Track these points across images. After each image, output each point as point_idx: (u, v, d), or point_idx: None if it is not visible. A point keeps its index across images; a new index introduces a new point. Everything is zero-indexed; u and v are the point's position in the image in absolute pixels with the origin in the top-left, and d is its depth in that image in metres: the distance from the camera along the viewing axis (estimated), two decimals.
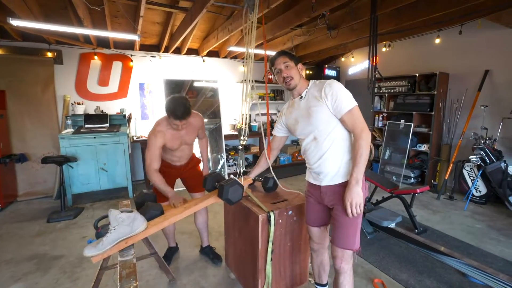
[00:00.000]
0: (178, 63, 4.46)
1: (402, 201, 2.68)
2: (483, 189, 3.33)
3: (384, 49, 4.49)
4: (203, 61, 4.64)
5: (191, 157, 2.17)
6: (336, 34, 3.37)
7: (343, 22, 3.14)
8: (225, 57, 4.81)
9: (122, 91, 4.12)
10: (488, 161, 3.13)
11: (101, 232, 2.81)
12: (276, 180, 1.92)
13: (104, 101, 4.03)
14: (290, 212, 1.74)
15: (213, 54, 4.70)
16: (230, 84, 5.04)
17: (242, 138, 1.59)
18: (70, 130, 3.57)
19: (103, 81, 4.00)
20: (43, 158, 3.07)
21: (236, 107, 5.15)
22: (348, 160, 1.34)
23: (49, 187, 3.75)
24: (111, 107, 4.06)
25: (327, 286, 1.72)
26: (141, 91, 4.21)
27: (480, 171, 3.20)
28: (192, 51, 4.52)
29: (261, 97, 5.35)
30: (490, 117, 3.44)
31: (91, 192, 3.65)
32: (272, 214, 1.64)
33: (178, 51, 4.34)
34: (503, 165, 3.09)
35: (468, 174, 3.44)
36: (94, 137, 3.44)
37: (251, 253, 1.78)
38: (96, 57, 3.86)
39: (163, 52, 4.20)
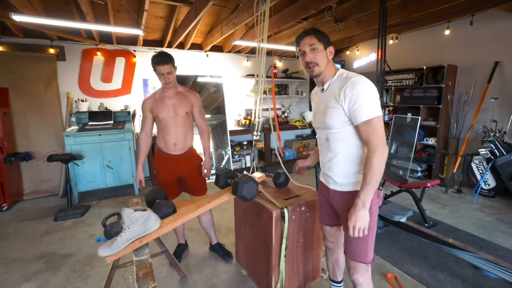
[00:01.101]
0: (182, 58, 4.40)
1: (411, 195, 2.65)
2: (492, 182, 3.30)
3: (391, 42, 4.42)
4: (207, 56, 4.58)
5: (190, 150, 2.05)
6: (343, 26, 3.30)
7: (350, 14, 3.08)
8: (229, 51, 4.74)
9: (126, 87, 4.08)
10: (498, 154, 3.10)
11: (109, 230, 2.80)
12: (288, 175, 1.89)
13: (107, 97, 3.99)
14: (303, 208, 1.71)
15: (217, 49, 4.64)
16: (234, 79, 4.98)
17: (255, 133, 1.55)
18: (75, 127, 3.54)
19: (106, 77, 3.95)
20: (48, 156, 3.05)
21: (240, 102, 5.10)
22: (359, 171, 1.21)
23: (54, 185, 3.73)
24: (115, 104, 4.03)
25: (342, 283, 1.70)
26: (145, 87, 4.15)
27: (490, 164, 3.16)
28: (195, 46, 4.45)
29: (265, 92, 5.29)
30: (499, 109, 3.39)
31: (97, 190, 3.64)
32: (285, 210, 1.61)
33: (181, 46, 4.28)
34: None
35: (477, 167, 3.41)
36: (99, 134, 3.42)
37: (263, 249, 1.77)
38: (99, 53, 3.81)
39: (166, 47, 4.14)
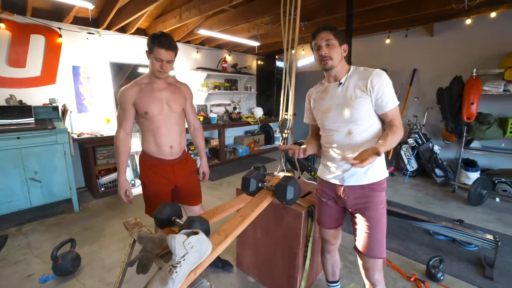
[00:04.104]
0: (123, 44, 3.70)
1: None
2: (414, 165, 4.15)
3: None
4: None
5: (185, 153, 1.79)
6: (311, 26, 3.45)
7: (316, 15, 3.24)
8: (178, 41, 4.27)
9: (48, 75, 3.12)
10: (420, 142, 3.90)
11: (63, 263, 2.15)
12: (300, 173, 1.87)
13: (20, 87, 2.96)
14: None
15: None
16: (183, 72, 4.53)
17: (285, 131, 1.45)
18: None
19: (17, 60, 2.92)
20: None
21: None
22: (379, 161, 1.27)
23: None
24: (34, 96, 3.04)
25: (339, 281, 1.69)
26: (76, 76, 3.30)
27: (415, 151, 3.96)
28: (139, 31, 3.81)
29: (217, 87, 5.06)
30: (418, 107, 4.27)
31: (16, 213, 2.69)
32: (313, 208, 1.59)
33: (122, 29, 3.59)
34: (430, 145, 3.90)
35: (404, 153, 4.21)
36: (18, 137, 2.52)
37: (285, 252, 1.70)
38: (2, 25, 2.77)
39: (104, 28, 3.38)
